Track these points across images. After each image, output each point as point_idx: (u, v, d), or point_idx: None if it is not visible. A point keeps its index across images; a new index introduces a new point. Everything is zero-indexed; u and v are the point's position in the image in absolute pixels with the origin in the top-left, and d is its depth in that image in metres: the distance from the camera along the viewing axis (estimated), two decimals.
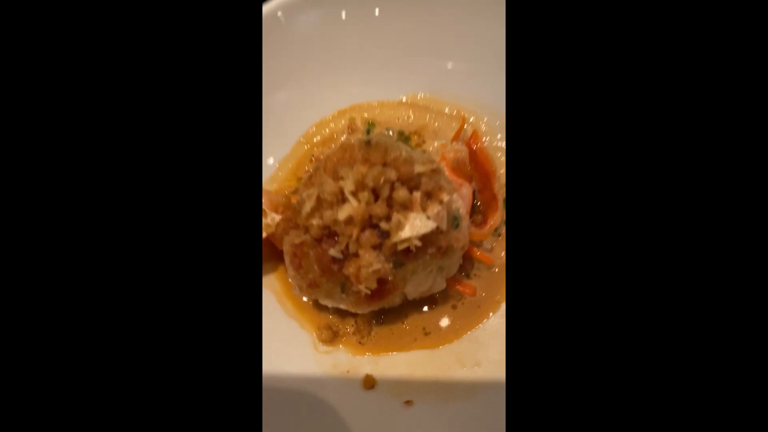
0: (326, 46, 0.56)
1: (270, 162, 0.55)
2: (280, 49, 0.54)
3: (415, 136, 0.57)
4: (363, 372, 0.44)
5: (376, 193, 0.40)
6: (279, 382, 0.44)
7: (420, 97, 0.59)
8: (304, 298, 0.44)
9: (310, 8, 0.53)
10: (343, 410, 0.43)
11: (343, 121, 0.58)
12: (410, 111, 0.58)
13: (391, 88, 0.58)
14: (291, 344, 0.46)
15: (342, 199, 0.40)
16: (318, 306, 0.47)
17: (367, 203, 0.39)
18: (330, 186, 0.40)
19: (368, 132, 0.57)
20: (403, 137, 0.57)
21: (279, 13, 0.52)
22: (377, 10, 0.54)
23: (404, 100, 0.59)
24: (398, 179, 0.40)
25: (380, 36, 0.56)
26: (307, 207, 0.40)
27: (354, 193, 0.39)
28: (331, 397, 0.44)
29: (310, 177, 0.44)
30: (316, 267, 0.42)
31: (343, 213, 0.39)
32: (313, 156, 0.55)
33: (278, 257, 0.48)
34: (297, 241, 0.43)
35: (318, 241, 0.42)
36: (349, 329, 0.46)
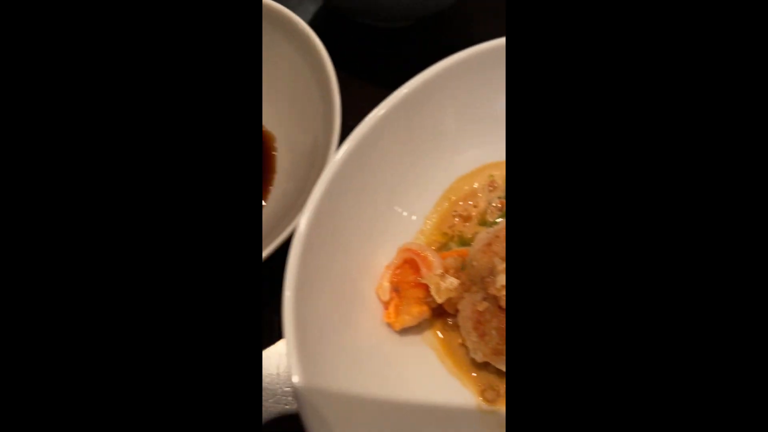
0: (466, 111, 0.58)
1: (414, 218, 0.56)
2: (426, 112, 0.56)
3: None
4: None
5: None
6: None
7: None
8: (478, 359, 0.46)
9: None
10: None
11: (482, 179, 0.60)
12: None
13: None
14: (453, 401, 0.48)
15: None
16: (476, 364, 0.48)
17: None
18: None
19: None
20: None
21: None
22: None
23: None
24: None
25: None
26: (501, 280, 0.42)
27: None
28: None
29: (489, 245, 0.46)
30: (497, 335, 0.44)
31: None
32: (457, 213, 0.57)
33: (438, 313, 0.50)
34: (480, 308, 0.44)
35: (502, 310, 0.43)
36: None
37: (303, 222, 0.44)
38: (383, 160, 0.53)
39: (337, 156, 0.48)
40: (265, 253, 0.46)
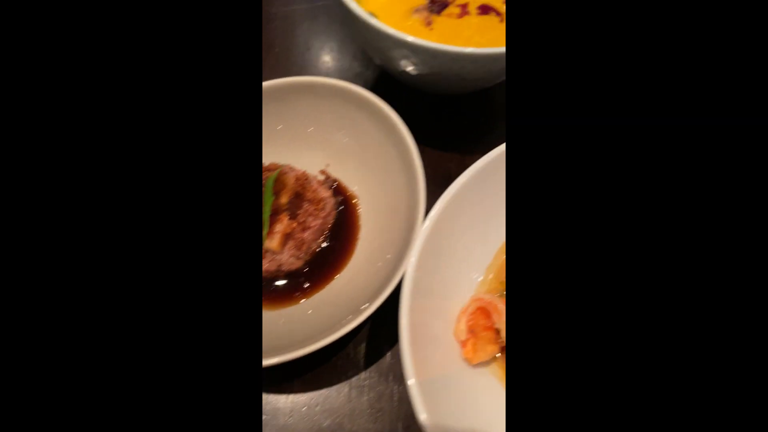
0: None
1: (477, 270, 0.69)
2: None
3: None
4: None
5: None
6: None
7: None
8: None
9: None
10: None
11: None
12: None
13: None
14: None
15: None
16: None
17: None
18: None
19: None
20: None
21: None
22: None
23: None
24: None
25: None
26: None
27: None
28: None
29: None
30: None
31: None
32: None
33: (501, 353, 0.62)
34: None
35: None
36: None
37: (409, 276, 0.56)
38: (457, 223, 0.65)
39: (426, 224, 0.60)
40: (375, 303, 0.58)
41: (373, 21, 0.70)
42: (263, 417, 0.63)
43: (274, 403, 0.64)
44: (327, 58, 1.00)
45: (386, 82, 0.95)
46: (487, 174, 0.67)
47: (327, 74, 0.97)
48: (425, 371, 0.55)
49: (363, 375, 0.66)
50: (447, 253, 0.64)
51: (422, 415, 0.49)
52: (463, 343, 0.60)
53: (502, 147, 0.67)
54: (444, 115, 0.91)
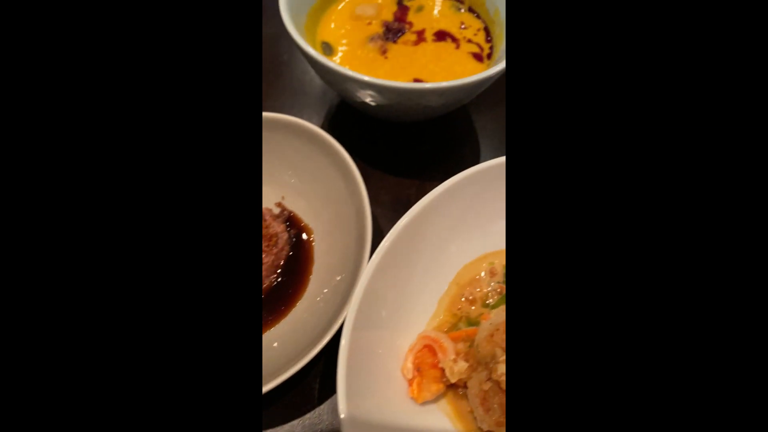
0: (471, 212, 0.71)
1: (429, 302, 0.69)
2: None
3: None
4: None
5: None
6: None
7: None
8: (484, 429, 0.57)
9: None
10: None
11: (486, 263, 0.72)
12: None
13: None
14: None
15: None
16: (483, 430, 0.60)
17: None
18: None
19: (505, 275, 0.71)
20: None
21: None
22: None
23: None
24: None
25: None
26: (501, 368, 0.54)
27: None
28: None
29: (492, 335, 0.58)
30: (499, 410, 0.56)
31: None
32: (464, 296, 0.70)
33: (455, 389, 0.62)
34: (486, 387, 0.56)
35: (503, 390, 0.55)
36: None
37: (351, 315, 0.56)
38: (407, 257, 0.65)
39: (376, 256, 0.60)
40: (322, 342, 0.58)
41: (320, 57, 0.70)
42: None
43: None
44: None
45: (346, 112, 0.95)
46: (444, 200, 0.67)
47: (290, 101, 0.97)
48: (366, 412, 0.54)
49: (317, 411, 0.66)
50: (400, 282, 0.64)
51: None
52: (410, 382, 0.60)
53: (458, 175, 0.68)
54: (404, 143, 0.91)
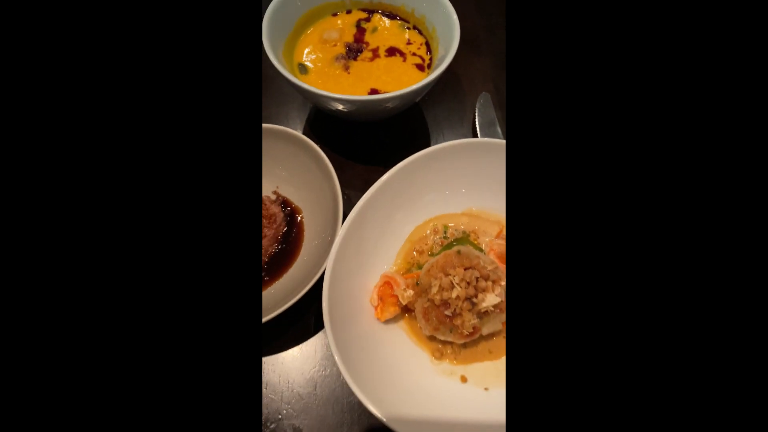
0: (422, 186, 0.95)
1: (389, 254, 0.93)
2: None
3: (472, 234, 0.96)
4: (459, 374, 0.83)
5: (468, 282, 0.79)
6: (408, 376, 0.82)
7: (473, 209, 0.98)
8: (426, 334, 0.83)
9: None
10: (447, 392, 0.81)
11: (431, 225, 0.97)
12: (468, 219, 0.97)
13: (457, 205, 0.98)
14: (416, 359, 0.84)
15: (452, 286, 0.79)
16: (432, 338, 0.85)
17: (465, 288, 0.78)
18: (444, 280, 0.79)
19: (445, 231, 0.96)
20: (466, 235, 0.95)
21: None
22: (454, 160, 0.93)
23: (463, 211, 0.98)
24: (480, 275, 0.79)
25: (451, 175, 0.95)
26: (434, 289, 0.79)
27: (459, 283, 0.78)
28: (440, 386, 0.82)
29: (429, 270, 0.82)
30: (436, 320, 0.81)
31: (453, 293, 0.78)
32: (415, 250, 0.94)
33: (408, 312, 0.87)
34: (426, 305, 0.81)
35: (438, 306, 0.80)
36: (450, 351, 0.85)
37: (329, 266, 0.80)
38: (372, 223, 0.89)
39: (344, 225, 0.84)
40: (309, 285, 0.82)
41: (295, 80, 0.94)
42: None
43: None
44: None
45: (322, 117, 1.19)
46: (398, 179, 0.91)
47: (273, 114, 1.21)
48: (347, 330, 0.79)
49: (314, 339, 0.91)
50: (364, 242, 0.89)
51: (336, 356, 0.74)
52: (375, 308, 0.85)
53: (408, 159, 0.91)
54: (369, 138, 1.16)
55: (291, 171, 1.00)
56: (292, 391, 0.87)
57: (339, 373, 0.85)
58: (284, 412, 0.84)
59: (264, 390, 0.86)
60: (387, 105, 0.97)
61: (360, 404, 0.76)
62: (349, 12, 1.17)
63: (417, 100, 1.03)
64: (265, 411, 0.85)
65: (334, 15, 1.17)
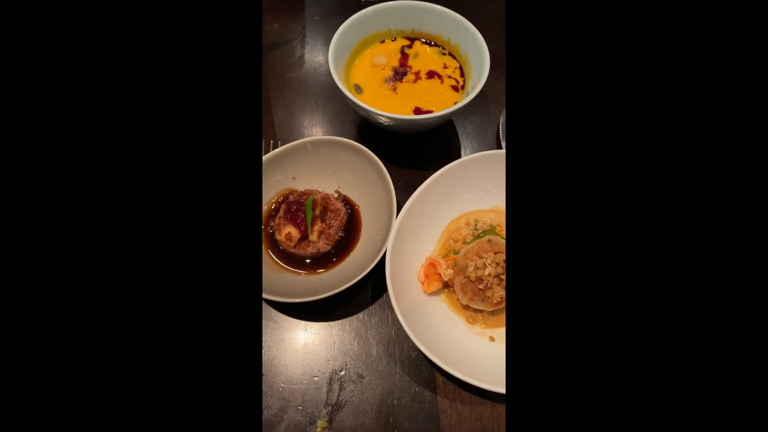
0: (456, 188, 1.18)
1: (430, 244, 1.16)
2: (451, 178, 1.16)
3: (498, 227, 1.18)
4: (488, 335, 1.06)
5: (497, 263, 1.01)
6: (448, 335, 1.05)
7: (499, 207, 1.21)
8: (463, 303, 1.06)
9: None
10: (479, 348, 1.04)
11: (464, 219, 1.19)
12: (495, 214, 1.20)
13: (486, 203, 1.20)
14: (454, 323, 1.08)
15: (484, 266, 1.01)
16: (467, 307, 1.08)
17: (495, 267, 1.01)
18: (479, 261, 1.02)
19: (476, 225, 1.18)
20: (492, 228, 1.18)
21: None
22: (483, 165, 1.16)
23: (491, 208, 1.21)
24: (506, 258, 1.02)
25: (484, 178, 1.18)
26: (471, 269, 1.02)
27: (490, 264, 1.01)
28: (473, 343, 1.05)
29: (465, 254, 1.05)
30: (471, 293, 1.04)
31: (486, 272, 1.01)
32: (452, 239, 1.17)
33: (447, 288, 1.10)
34: (463, 281, 1.04)
35: (473, 282, 1.03)
36: (481, 318, 1.08)
37: (389, 249, 1.03)
38: (419, 218, 1.12)
39: (398, 218, 1.07)
40: (372, 265, 1.05)
41: (354, 98, 1.16)
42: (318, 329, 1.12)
43: (317, 321, 1.13)
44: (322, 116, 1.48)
45: (371, 129, 1.42)
46: (437, 182, 1.14)
47: (328, 122, 1.44)
48: (402, 300, 1.03)
49: (370, 308, 1.14)
50: (414, 233, 1.12)
51: (399, 316, 0.98)
52: (422, 283, 1.08)
53: (449, 164, 1.13)
54: (411, 146, 1.38)
55: (351, 173, 1.23)
56: (354, 348, 1.10)
57: (390, 334, 1.09)
58: (350, 363, 1.08)
59: (333, 346, 1.10)
60: (428, 122, 1.20)
61: (407, 358, 1.00)
62: (394, 40, 1.40)
63: (454, 116, 1.26)
64: (334, 363, 1.08)
65: (382, 42, 1.39)
